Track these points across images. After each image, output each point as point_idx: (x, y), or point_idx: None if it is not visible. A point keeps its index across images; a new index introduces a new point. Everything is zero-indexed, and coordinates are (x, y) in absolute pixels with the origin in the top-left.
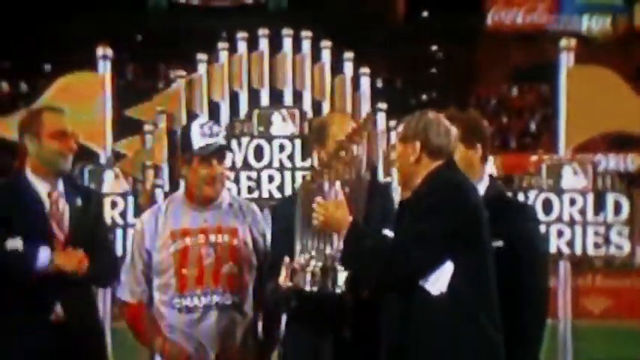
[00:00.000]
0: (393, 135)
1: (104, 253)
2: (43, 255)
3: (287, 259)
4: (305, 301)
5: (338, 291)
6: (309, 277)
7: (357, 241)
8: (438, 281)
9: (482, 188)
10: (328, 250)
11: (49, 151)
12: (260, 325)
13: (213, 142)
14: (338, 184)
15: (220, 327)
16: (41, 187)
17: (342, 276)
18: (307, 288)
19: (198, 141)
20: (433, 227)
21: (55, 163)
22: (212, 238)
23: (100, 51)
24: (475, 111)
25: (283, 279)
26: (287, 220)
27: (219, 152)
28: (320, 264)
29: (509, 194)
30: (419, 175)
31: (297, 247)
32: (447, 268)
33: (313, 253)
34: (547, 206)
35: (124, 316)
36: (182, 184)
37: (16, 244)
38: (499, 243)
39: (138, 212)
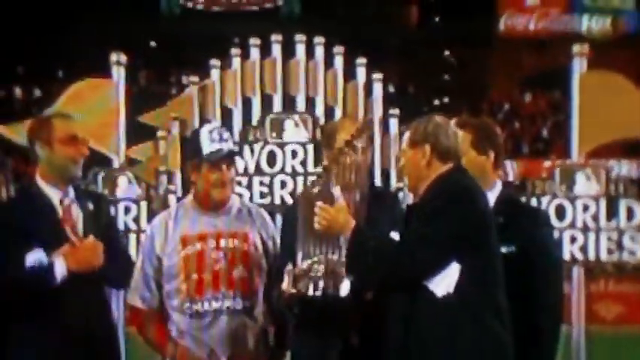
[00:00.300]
0: (401, 141)
1: (118, 254)
2: (59, 267)
3: (290, 265)
4: (309, 307)
5: (341, 296)
6: (311, 282)
7: (361, 244)
8: (444, 282)
9: (494, 194)
10: (330, 256)
11: (60, 157)
12: (270, 330)
13: (222, 147)
14: (338, 188)
15: (231, 332)
16: (52, 194)
17: (344, 281)
18: (310, 293)
19: (207, 146)
20: (438, 229)
21: (66, 169)
22: (222, 242)
23: (113, 57)
24: (488, 117)
25: (286, 285)
26: (294, 226)
27: (228, 157)
28: (322, 269)
29: (523, 200)
30: (429, 179)
31: (300, 253)
32: (453, 270)
33: (315, 258)
34: (560, 212)
35: (134, 321)
36: (191, 189)
37: (37, 256)
38: (512, 248)
39: (151, 218)
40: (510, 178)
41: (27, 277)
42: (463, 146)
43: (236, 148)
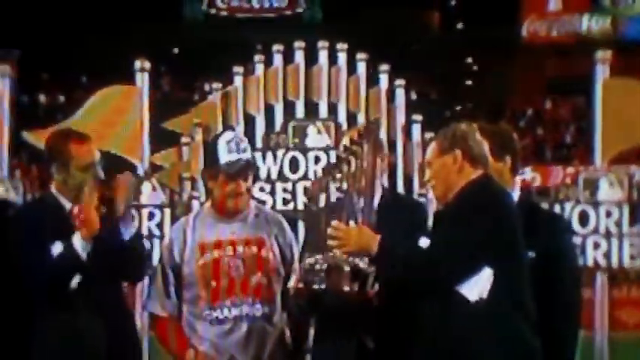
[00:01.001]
0: (428, 152)
1: (132, 249)
2: (77, 241)
3: (297, 264)
4: (317, 302)
5: (346, 289)
6: (316, 277)
7: (390, 256)
8: (477, 287)
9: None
10: (335, 251)
11: (76, 181)
12: (288, 335)
13: (239, 158)
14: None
15: (251, 338)
16: (66, 204)
17: (349, 274)
18: (316, 287)
19: (224, 156)
20: (469, 234)
21: (80, 190)
22: (240, 249)
23: (137, 63)
24: (504, 123)
25: (294, 282)
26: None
27: (244, 170)
28: (326, 263)
29: (543, 205)
30: (458, 186)
31: (306, 249)
32: (486, 275)
33: (321, 254)
34: (583, 218)
35: (154, 329)
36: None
37: (57, 246)
38: (531, 254)
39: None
40: (535, 184)
41: (56, 264)
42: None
43: (253, 159)
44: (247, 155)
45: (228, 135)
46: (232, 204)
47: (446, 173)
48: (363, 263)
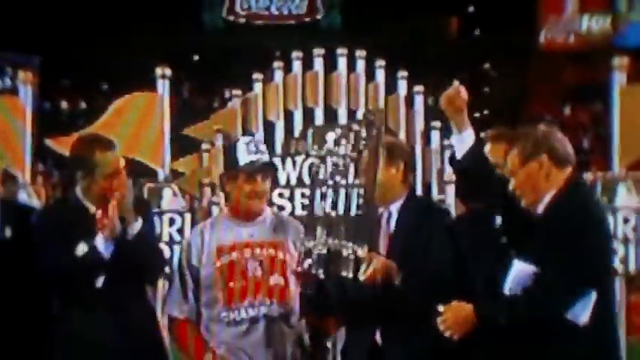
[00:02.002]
0: (509, 162)
1: (150, 249)
2: (100, 241)
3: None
4: (320, 288)
5: (344, 274)
6: (314, 261)
7: (495, 317)
8: (585, 310)
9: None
10: (333, 238)
11: (100, 190)
12: (307, 336)
13: (258, 158)
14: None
15: (267, 339)
16: (90, 205)
17: (346, 261)
18: (313, 272)
19: (243, 157)
20: (588, 255)
21: (103, 197)
22: (257, 251)
23: (158, 70)
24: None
25: (295, 266)
26: None
27: (263, 169)
28: (325, 249)
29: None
30: (549, 191)
31: (307, 235)
32: (592, 296)
33: (320, 240)
34: None
35: (172, 332)
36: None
37: (81, 246)
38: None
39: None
40: None
41: (80, 264)
42: (496, 158)
43: (271, 161)
44: (265, 157)
45: (246, 138)
46: (250, 205)
47: (534, 181)
48: (360, 250)
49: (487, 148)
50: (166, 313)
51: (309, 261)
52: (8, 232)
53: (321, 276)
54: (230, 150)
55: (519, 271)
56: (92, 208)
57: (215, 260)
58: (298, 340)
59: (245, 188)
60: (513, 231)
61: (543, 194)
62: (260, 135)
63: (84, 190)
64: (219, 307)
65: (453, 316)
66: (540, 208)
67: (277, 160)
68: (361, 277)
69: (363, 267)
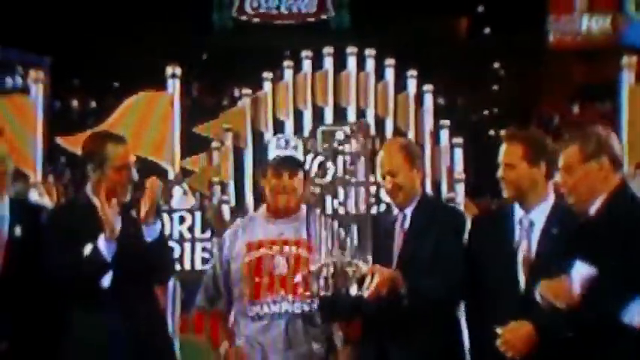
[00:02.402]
0: (566, 156)
1: (155, 251)
2: (101, 242)
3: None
4: (332, 307)
5: (352, 293)
6: (322, 282)
7: (558, 332)
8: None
9: (547, 208)
10: (340, 257)
11: (110, 182)
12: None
13: (285, 153)
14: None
15: (287, 336)
16: (99, 204)
17: (354, 279)
18: (322, 293)
19: (272, 152)
20: None
21: (114, 191)
22: (286, 249)
23: (168, 70)
24: (537, 129)
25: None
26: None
27: (287, 163)
28: (332, 270)
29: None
30: (602, 194)
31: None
32: None
33: (326, 260)
34: None
35: (197, 321)
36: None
37: (88, 249)
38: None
39: (205, 227)
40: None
41: (82, 265)
42: (513, 159)
43: (299, 157)
44: (294, 153)
45: (279, 135)
46: (277, 200)
47: (591, 181)
48: (363, 265)
49: (501, 148)
50: (195, 305)
51: (316, 283)
52: (18, 231)
53: (329, 294)
54: (263, 147)
55: (581, 273)
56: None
57: (244, 255)
58: (322, 339)
59: (272, 183)
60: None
61: (597, 195)
62: (269, 133)
63: (94, 186)
64: (245, 301)
65: (513, 337)
66: (592, 210)
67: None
68: (365, 293)
69: (366, 282)
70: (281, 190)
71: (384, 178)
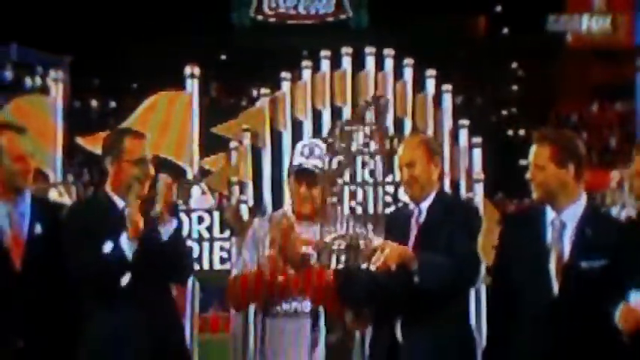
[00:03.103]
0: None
1: (171, 250)
2: (124, 240)
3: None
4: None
5: (363, 266)
6: (334, 255)
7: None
8: None
9: (579, 207)
10: (352, 230)
11: (126, 176)
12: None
13: (305, 163)
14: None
15: (295, 334)
16: (119, 203)
17: (365, 253)
18: (332, 266)
19: (296, 159)
20: None
21: (131, 186)
22: (303, 249)
23: (187, 70)
24: (568, 130)
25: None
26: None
27: (306, 175)
28: (344, 243)
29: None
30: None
31: (323, 229)
32: None
33: (338, 233)
34: None
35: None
36: None
37: (108, 245)
38: (603, 262)
39: (223, 227)
40: None
41: (103, 263)
42: (541, 160)
43: (316, 168)
44: (315, 162)
45: (307, 140)
46: (299, 206)
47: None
48: (375, 239)
49: (531, 149)
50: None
51: (327, 256)
52: (38, 229)
53: (339, 267)
54: (293, 151)
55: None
56: (121, 204)
57: (263, 252)
58: (334, 337)
59: (293, 189)
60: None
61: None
62: (288, 133)
63: (112, 180)
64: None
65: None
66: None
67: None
68: (373, 265)
69: (376, 255)
70: (301, 197)
71: (401, 169)
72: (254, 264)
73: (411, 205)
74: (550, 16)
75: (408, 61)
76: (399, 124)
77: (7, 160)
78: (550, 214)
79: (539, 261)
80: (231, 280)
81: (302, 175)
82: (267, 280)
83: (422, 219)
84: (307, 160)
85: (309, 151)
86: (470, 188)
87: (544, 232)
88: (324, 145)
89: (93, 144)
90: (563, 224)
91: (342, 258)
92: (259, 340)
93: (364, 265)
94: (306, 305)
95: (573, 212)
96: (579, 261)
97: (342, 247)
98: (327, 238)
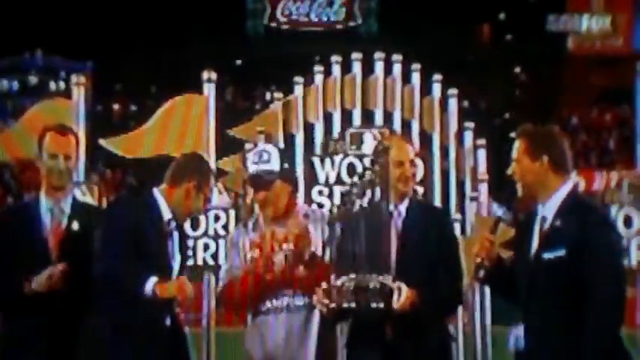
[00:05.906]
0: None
1: None
2: (149, 285)
3: (324, 283)
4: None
5: (374, 306)
6: (344, 297)
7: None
8: None
9: (558, 201)
10: (361, 273)
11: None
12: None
13: (255, 169)
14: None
15: (291, 327)
16: (166, 210)
17: (375, 293)
18: (345, 306)
19: (250, 168)
20: None
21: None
22: (284, 246)
23: (204, 75)
24: (550, 125)
25: (317, 299)
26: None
27: (255, 180)
28: (353, 284)
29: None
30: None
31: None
32: None
33: (348, 276)
34: (628, 221)
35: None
36: None
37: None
38: (563, 252)
39: (239, 225)
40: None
41: (129, 278)
42: (517, 154)
43: (265, 173)
44: (265, 167)
45: (257, 147)
46: (262, 211)
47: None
48: (388, 280)
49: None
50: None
51: (339, 297)
52: (75, 226)
53: (352, 306)
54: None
55: None
56: (167, 215)
57: (245, 253)
58: (325, 327)
59: (252, 195)
60: None
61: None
62: (300, 135)
63: (170, 197)
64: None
65: None
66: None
67: (316, 160)
68: (396, 306)
69: (395, 296)
70: (260, 202)
71: (401, 165)
72: (240, 270)
73: (390, 206)
74: (550, 16)
75: (416, 66)
76: (406, 126)
77: (51, 159)
78: (540, 210)
79: (525, 257)
80: (224, 288)
81: (254, 181)
82: (256, 280)
83: (401, 220)
84: (258, 166)
85: (258, 157)
86: (475, 188)
87: (532, 228)
88: (273, 149)
89: (115, 146)
90: (544, 218)
91: (352, 299)
92: (258, 337)
93: (375, 305)
94: (299, 299)
95: (554, 204)
96: (543, 252)
97: (351, 288)
98: (338, 281)
